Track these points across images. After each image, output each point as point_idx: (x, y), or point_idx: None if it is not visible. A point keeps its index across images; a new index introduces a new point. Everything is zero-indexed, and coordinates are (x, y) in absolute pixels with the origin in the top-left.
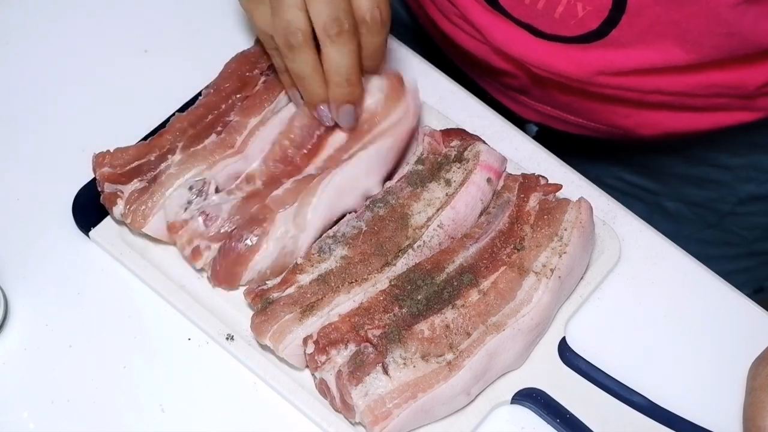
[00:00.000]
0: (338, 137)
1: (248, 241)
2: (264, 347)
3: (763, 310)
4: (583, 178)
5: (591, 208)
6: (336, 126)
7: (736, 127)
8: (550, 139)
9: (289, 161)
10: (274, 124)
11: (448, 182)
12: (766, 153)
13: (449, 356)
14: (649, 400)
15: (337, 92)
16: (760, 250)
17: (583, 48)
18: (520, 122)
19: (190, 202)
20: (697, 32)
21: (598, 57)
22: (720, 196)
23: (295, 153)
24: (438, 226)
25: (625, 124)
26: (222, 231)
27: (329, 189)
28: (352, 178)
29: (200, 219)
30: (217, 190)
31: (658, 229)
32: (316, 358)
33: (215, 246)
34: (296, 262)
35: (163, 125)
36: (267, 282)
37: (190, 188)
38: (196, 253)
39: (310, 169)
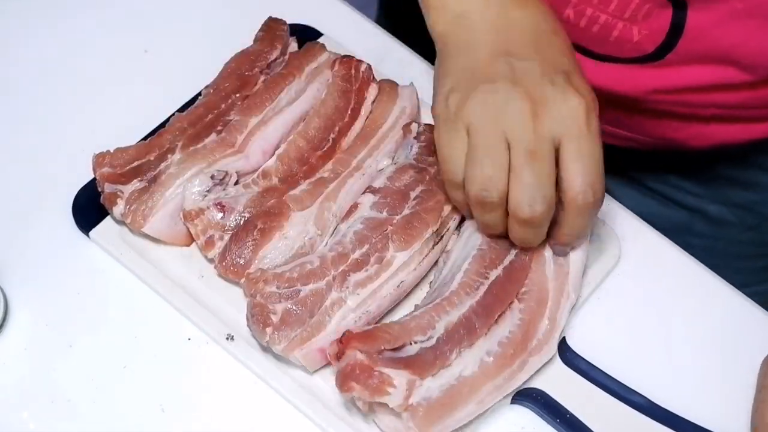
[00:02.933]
0: (349, 139)
1: (260, 232)
2: (264, 348)
3: (764, 310)
4: None
5: None
6: (348, 128)
7: None
8: None
9: (305, 161)
10: (276, 123)
11: None
12: None
13: None
14: (649, 400)
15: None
16: None
17: (637, 68)
18: None
19: (209, 191)
20: (754, 54)
21: (653, 76)
22: (763, 199)
23: (311, 154)
24: None
25: (677, 136)
26: (236, 223)
27: (350, 194)
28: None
29: (216, 209)
30: (236, 183)
31: (697, 234)
32: None
33: (228, 237)
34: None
35: (163, 125)
36: None
37: (212, 177)
38: (209, 242)
39: (324, 170)
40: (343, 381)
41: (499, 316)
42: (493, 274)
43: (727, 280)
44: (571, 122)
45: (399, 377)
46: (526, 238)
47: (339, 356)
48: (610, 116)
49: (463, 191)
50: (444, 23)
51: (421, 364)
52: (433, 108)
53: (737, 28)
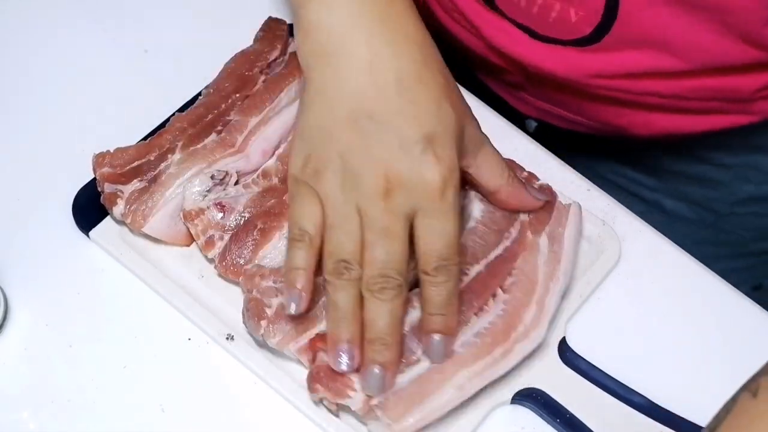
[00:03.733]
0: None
1: (260, 232)
2: (263, 345)
3: (764, 310)
4: (582, 177)
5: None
6: None
7: (733, 129)
8: (549, 134)
9: None
10: (276, 123)
11: None
12: (764, 154)
13: None
14: (649, 400)
15: (368, 350)
16: (758, 249)
17: (578, 51)
18: (519, 117)
19: (209, 191)
20: (685, 41)
21: (594, 60)
22: (719, 196)
23: None
24: None
25: (620, 122)
26: (237, 223)
27: None
28: None
29: (216, 209)
30: (236, 183)
31: (656, 228)
32: None
33: (228, 237)
34: None
35: (163, 125)
36: None
37: (212, 177)
38: (209, 242)
39: None
40: (310, 383)
41: (480, 309)
42: (474, 270)
43: None
44: (424, 196)
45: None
46: (378, 321)
47: (312, 360)
48: (557, 99)
49: (309, 253)
50: (310, 50)
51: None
52: (289, 165)
53: (666, 11)
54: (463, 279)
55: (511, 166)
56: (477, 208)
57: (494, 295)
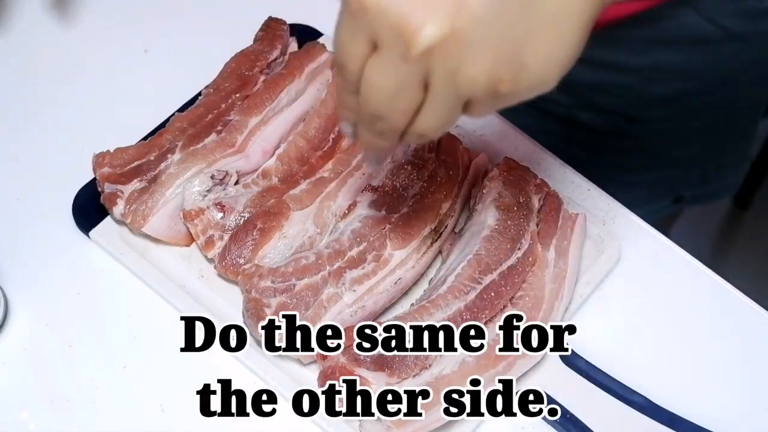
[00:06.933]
0: (347, 140)
1: (260, 232)
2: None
3: (763, 309)
4: (583, 177)
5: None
6: None
7: (628, 21)
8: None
9: (305, 161)
10: (276, 123)
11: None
12: (664, 49)
13: None
14: (649, 400)
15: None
16: (677, 156)
17: None
18: None
19: (209, 191)
20: None
21: None
22: (628, 102)
23: (311, 154)
24: None
25: None
26: (236, 223)
27: (350, 192)
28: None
29: (216, 209)
30: (236, 183)
31: (579, 145)
32: None
33: (228, 237)
34: None
35: (163, 125)
36: None
37: (212, 177)
38: (209, 242)
39: (324, 170)
40: (323, 382)
41: (489, 320)
42: (488, 279)
43: (620, 202)
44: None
45: (377, 381)
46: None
47: (324, 356)
48: None
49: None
50: None
51: (400, 365)
52: None
53: None
54: (476, 287)
55: (524, 172)
56: (492, 216)
57: (504, 307)
